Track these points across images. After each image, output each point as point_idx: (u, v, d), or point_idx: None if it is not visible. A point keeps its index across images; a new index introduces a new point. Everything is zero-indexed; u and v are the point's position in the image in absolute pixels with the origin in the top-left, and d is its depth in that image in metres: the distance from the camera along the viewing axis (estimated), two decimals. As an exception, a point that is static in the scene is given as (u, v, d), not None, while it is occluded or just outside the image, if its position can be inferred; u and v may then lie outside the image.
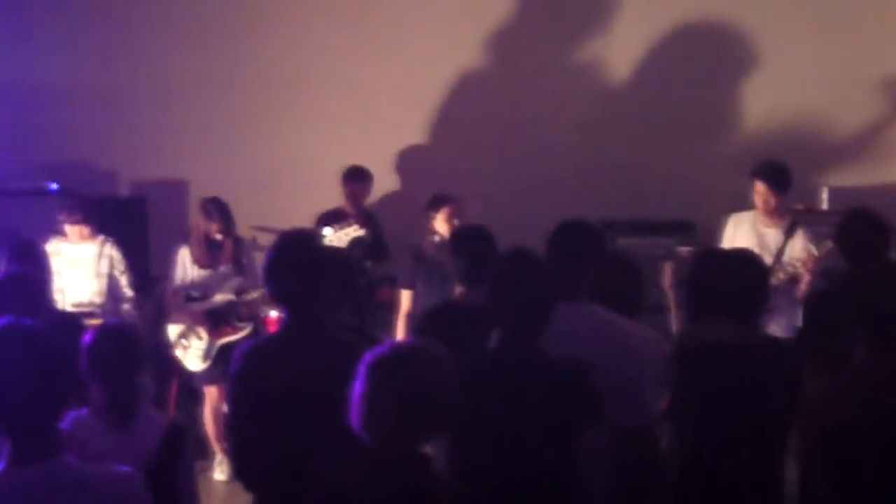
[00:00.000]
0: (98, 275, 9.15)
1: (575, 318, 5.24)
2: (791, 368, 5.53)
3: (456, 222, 8.59)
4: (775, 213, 8.68)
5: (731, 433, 5.44)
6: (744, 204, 8.91)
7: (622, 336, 5.43)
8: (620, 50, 11.10)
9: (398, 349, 4.14)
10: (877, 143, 10.92)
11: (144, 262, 10.37)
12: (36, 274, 6.81)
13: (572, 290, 5.35)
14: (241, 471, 5.30)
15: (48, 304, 6.81)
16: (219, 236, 9.21)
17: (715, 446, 5.49)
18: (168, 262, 9.43)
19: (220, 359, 8.85)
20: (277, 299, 5.31)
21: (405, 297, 8.58)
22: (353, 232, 8.81)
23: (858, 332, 4.95)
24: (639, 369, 5.38)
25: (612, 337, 5.40)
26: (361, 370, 4.09)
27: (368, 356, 4.12)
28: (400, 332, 8.37)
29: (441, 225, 8.66)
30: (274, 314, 9.06)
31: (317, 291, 5.15)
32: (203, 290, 9.26)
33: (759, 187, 8.64)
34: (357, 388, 4.07)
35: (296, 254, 5.17)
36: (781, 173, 8.66)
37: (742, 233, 8.71)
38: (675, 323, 7.33)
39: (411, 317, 8.31)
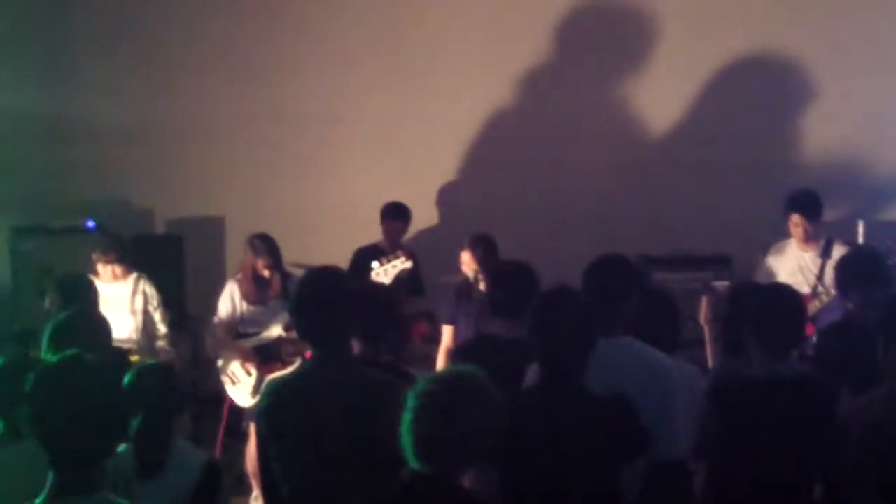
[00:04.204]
0: (133, 312, 9.17)
1: (611, 352, 5.24)
2: (825, 404, 5.50)
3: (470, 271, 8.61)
4: (812, 238, 8.96)
5: (764, 469, 5.42)
6: (780, 237, 9.04)
7: (659, 370, 5.43)
8: (656, 86, 11.10)
9: (444, 378, 4.15)
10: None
11: (181, 300, 10.41)
12: (89, 310, 6.83)
13: (608, 325, 5.36)
14: None
15: (104, 340, 6.82)
16: (266, 272, 9.22)
17: (748, 481, 5.47)
18: (209, 298, 9.45)
19: (269, 395, 8.84)
20: (304, 336, 5.28)
21: (447, 332, 8.58)
22: (401, 265, 8.79)
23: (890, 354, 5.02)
24: (675, 403, 5.38)
25: (649, 370, 5.40)
26: (410, 400, 4.13)
27: (418, 386, 4.16)
28: (441, 367, 8.37)
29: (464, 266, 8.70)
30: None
31: (342, 328, 5.15)
32: (253, 325, 9.26)
33: (796, 219, 8.95)
34: (407, 417, 4.10)
35: (322, 291, 5.15)
36: (814, 202, 8.97)
37: (783, 260, 9.04)
38: (711, 357, 7.31)
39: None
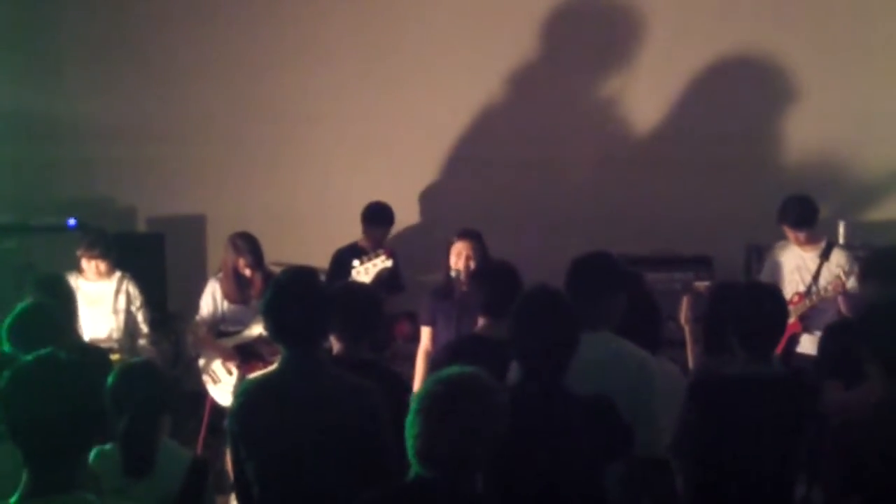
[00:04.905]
0: (116, 311, 9.16)
1: (592, 348, 5.24)
2: (805, 404, 5.52)
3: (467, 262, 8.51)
4: (806, 242, 9.09)
5: (743, 467, 5.43)
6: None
7: (640, 366, 5.44)
8: (638, 86, 11.11)
9: (448, 380, 4.12)
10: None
11: (162, 298, 10.39)
12: (59, 306, 6.82)
13: (590, 320, 5.36)
14: None
15: (72, 336, 6.81)
16: (247, 271, 9.20)
17: (727, 480, 5.48)
18: (190, 297, 9.44)
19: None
20: (275, 338, 5.25)
21: (425, 334, 8.54)
22: (381, 263, 8.74)
23: (873, 364, 5.03)
24: (657, 400, 5.38)
25: (630, 367, 5.41)
26: (413, 402, 4.10)
27: (422, 387, 4.13)
28: (420, 369, 8.34)
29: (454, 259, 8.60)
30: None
31: (314, 329, 5.14)
32: (234, 324, 9.24)
33: (785, 230, 9.10)
34: (409, 418, 4.07)
35: (293, 292, 5.14)
36: (801, 213, 9.04)
37: (785, 258, 9.18)
38: (691, 358, 7.33)
39: (429, 354, 8.26)
